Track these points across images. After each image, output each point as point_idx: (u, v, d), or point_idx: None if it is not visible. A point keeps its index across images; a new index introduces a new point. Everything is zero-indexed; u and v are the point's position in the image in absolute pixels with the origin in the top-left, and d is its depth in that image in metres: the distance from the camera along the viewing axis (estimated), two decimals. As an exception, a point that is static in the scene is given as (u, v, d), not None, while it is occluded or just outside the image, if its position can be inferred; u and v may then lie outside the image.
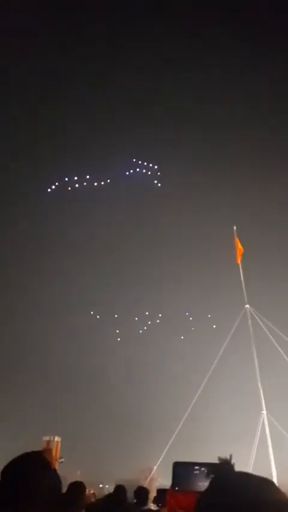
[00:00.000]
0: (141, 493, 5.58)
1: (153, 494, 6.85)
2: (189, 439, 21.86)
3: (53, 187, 39.71)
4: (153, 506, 5.83)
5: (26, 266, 37.49)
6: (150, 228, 39.60)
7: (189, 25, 38.58)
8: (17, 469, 1.79)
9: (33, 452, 1.89)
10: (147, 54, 39.33)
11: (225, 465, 1.23)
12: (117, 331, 37.61)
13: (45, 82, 38.87)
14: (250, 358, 20.89)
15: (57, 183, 39.65)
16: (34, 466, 1.81)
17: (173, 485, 1.40)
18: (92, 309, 38.53)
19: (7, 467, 1.80)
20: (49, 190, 39.68)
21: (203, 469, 1.40)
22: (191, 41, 38.42)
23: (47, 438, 8.79)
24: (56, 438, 9.05)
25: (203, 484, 1.37)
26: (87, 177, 39.66)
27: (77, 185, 39.79)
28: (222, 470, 1.14)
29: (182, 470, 1.40)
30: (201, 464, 1.39)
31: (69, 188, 39.77)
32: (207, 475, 1.20)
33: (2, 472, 1.80)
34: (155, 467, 22.73)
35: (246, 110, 38.88)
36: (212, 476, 1.12)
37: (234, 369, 28.34)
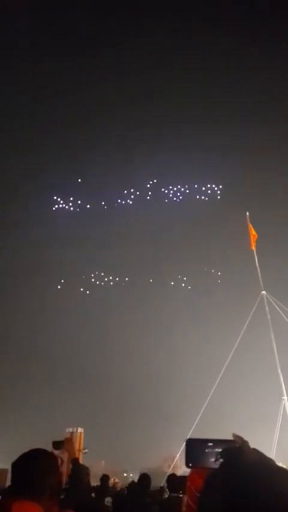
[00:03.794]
0: (173, 480, 5.72)
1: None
2: (210, 427, 21.97)
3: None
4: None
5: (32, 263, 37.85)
6: (163, 220, 39.47)
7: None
8: (27, 462, 2.01)
9: (40, 449, 2.12)
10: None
11: (236, 449, 1.20)
12: (137, 321, 37.84)
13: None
14: (269, 344, 20.79)
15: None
16: (42, 460, 2.03)
17: (187, 462, 1.41)
18: (110, 299, 38.78)
19: (18, 461, 2.01)
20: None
21: (215, 446, 1.39)
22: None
23: (70, 430, 8.93)
24: (79, 429, 9.19)
25: (215, 461, 1.34)
26: None
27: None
28: (232, 455, 1.10)
29: (195, 447, 1.40)
30: (214, 441, 1.39)
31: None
32: (217, 458, 1.17)
33: (15, 465, 2.00)
34: (177, 455, 22.98)
35: (261, 97, 38.15)
36: (221, 460, 1.09)
37: (253, 355, 28.26)
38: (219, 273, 37.47)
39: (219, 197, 36.88)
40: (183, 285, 38.70)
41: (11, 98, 36.64)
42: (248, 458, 1.05)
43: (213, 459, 1.40)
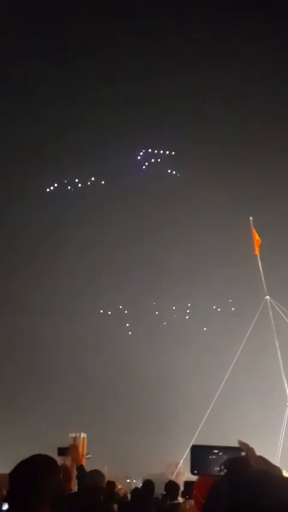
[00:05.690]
0: (172, 487, 5.67)
1: (180, 489, 6.93)
2: (214, 433, 21.81)
3: (52, 187, 38.93)
4: (181, 500, 5.87)
5: (35, 266, 37.83)
6: (166, 221, 39.49)
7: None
8: (26, 469, 1.96)
9: (40, 455, 2.07)
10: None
11: (240, 458, 1.19)
12: (141, 325, 37.77)
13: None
14: (273, 349, 20.67)
15: (56, 184, 38.86)
16: (42, 466, 1.99)
17: (192, 469, 1.38)
18: (116, 302, 38.74)
19: (17, 468, 1.96)
20: (48, 190, 39.11)
21: (221, 453, 1.37)
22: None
23: (73, 435, 8.88)
24: (82, 435, 9.13)
25: (219, 471, 1.33)
26: (92, 178, 39.00)
27: (79, 185, 39.21)
28: (236, 464, 1.09)
29: (200, 454, 1.38)
30: (220, 448, 1.37)
31: (71, 188, 39.03)
32: (221, 468, 1.16)
33: (14, 471, 1.95)
34: (181, 462, 22.81)
35: (265, 97, 38.14)
36: (225, 470, 1.08)
37: (257, 361, 28.08)
38: (222, 277, 37.35)
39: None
40: (185, 290, 38.65)
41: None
42: (251, 468, 1.04)
43: (218, 468, 1.39)
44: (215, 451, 1.46)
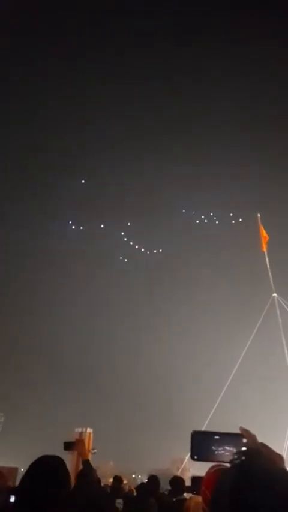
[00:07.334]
0: (177, 482, 5.65)
1: (185, 484, 6.92)
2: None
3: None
4: (187, 496, 5.86)
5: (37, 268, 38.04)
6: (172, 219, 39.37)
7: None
8: (39, 477, 1.89)
9: (51, 459, 2.00)
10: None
11: (254, 454, 1.17)
12: (146, 322, 37.77)
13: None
14: (280, 346, 20.57)
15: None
16: (55, 473, 1.93)
17: (192, 455, 1.37)
18: (119, 299, 38.81)
19: (30, 471, 1.91)
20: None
21: (222, 440, 1.35)
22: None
23: (79, 430, 8.92)
24: (88, 430, 9.17)
25: (223, 454, 1.32)
26: None
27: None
28: (251, 460, 1.07)
29: (201, 440, 1.37)
30: (220, 434, 1.36)
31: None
32: (231, 460, 1.15)
33: (26, 475, 1.91)
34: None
35: (266, 96, 37.81)
36: (237, 462, 1.07)
37: (264, 358, 27.98)
38: (228, 273, 37.23)
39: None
40: (193, 287, 38.56)
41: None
42: (264, 463, 1.03)
43: (219, 452, 1.38)
44: (216, 437, 1.45)
